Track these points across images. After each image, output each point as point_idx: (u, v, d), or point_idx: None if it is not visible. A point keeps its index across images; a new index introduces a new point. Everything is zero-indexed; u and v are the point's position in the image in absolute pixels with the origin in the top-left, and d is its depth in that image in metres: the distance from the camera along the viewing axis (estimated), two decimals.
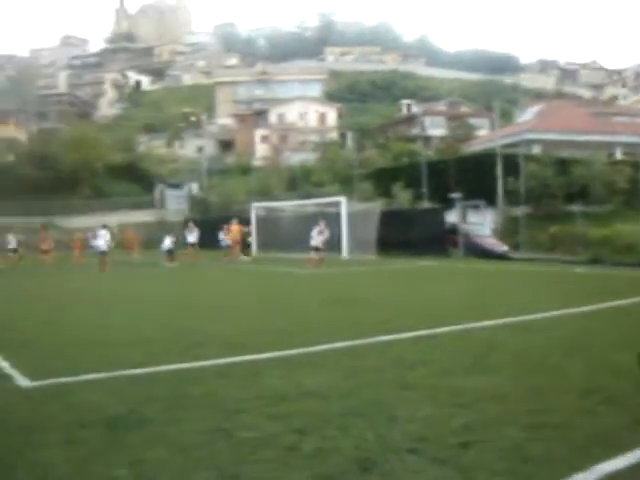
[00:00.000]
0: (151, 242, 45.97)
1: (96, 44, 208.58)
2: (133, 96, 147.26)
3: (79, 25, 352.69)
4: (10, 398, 6.86)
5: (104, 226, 31.32)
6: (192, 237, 35.68)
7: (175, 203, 65.05)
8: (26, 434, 5.60)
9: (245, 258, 35.61)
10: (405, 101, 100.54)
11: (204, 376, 7.64)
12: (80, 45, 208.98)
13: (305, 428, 5.60)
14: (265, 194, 51.46)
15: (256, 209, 42.39)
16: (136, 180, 71.01)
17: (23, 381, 7.57)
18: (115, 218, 58.53)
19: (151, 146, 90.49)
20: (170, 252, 32.95)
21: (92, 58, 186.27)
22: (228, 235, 36.21)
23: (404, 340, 9.88)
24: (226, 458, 4.96)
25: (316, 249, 28.44)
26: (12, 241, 35.52)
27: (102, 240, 30.12)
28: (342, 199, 35.54)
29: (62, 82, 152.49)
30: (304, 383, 7.14)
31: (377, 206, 35.90)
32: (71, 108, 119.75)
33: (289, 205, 43.50)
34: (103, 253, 30.10)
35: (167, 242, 33.11)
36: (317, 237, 28.67)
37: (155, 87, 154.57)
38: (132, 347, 9.69)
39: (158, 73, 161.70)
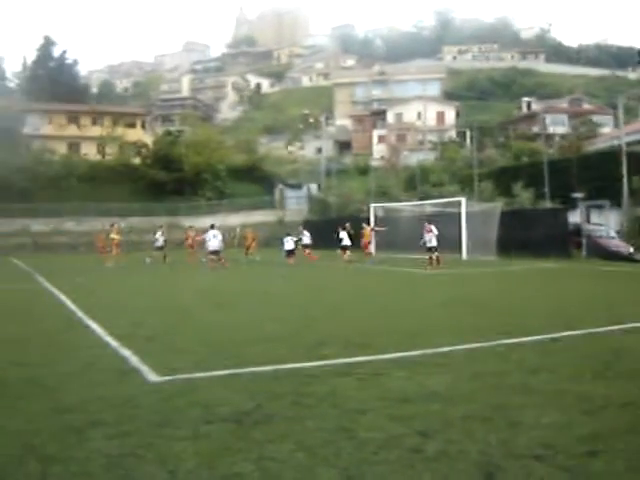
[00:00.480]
0: (271, 241, 46.82)
1: (217, 49, 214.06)
2: (253, 99, 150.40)
3: (201, 31, 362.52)
4: (139, 392, 7.12)
5: (212, 226, 32.17)
6: (306, 239, 36.25)
7: (295, 203, 65.97)
8: (156, 427, 5.82)
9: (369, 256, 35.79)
10: (525, 98, 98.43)
11: (326, 375, 7.71)
12: (202, 50, 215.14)
13: (428, 430, 5.58)
14: (383, 194, 51.47)
15: (375, 209, 42.40)
16: (257, 181, 72.51)
17: (152, 376, 7.85)
18: (237, 219, 60.01)
19: (271, 147, 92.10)
20: (291, 252, 33.41)
21: (213, 63, 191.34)
22: (364, 237, 36.52)
23: (526, 343, 9.68)
24: (349, 458, 5.00)
25: (430, 249, 28.17)
26: (160, 239, 36.80)
27: (214, 240, 31.04)
28: (462, 199, 35.08)
29: (185, 86, 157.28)
30: (426, 385, 7.12)
31: (497, 206, 35.27)
32: (194, 111, 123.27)
33: (408, 205, 43.28)
34: (214, 252, 31.01)
35: (288, 242, 33.60)
36: (428, 237, 28.42)
37: (275, 89, 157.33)
38: (255, 345, 9.89)
39: (277, 76, 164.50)
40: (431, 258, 28.01)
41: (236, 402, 6.56)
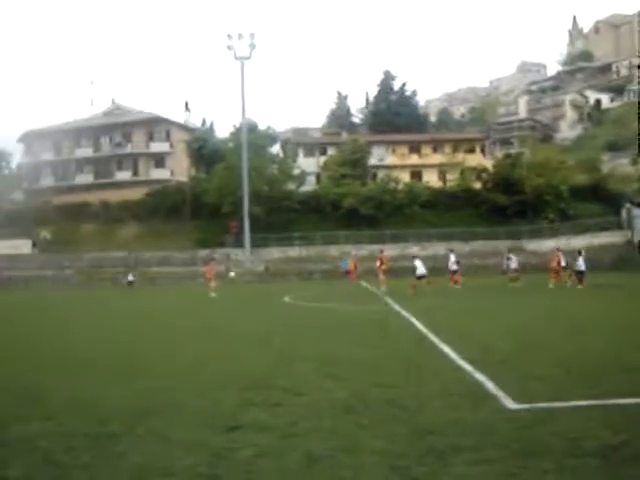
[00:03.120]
0: (619, 264, 44.28)
1: (552, 67, 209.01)
2: (593, 115, 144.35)
3: (534, 50, 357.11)
4: (497, 418, 7.03)
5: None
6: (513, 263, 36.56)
7: None
8: (518, 457, 5.69)
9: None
10: None
11: None
12: (537, 70, 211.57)
13: None
14: None
15: None
16: (601, 201, 69.23)
17: (508, 402, 7.72)
18: (581, 241, 57.75)
19: (616, 165, 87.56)
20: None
21: (549, 81, 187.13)
22: None
23: None
24: None
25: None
26: (514, 261, 37.26)
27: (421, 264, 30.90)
28: None
29: (522, 108, 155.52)
30: None
31: None
32: (532, 132, 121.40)
33: None
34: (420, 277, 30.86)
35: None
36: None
37: (616, 104, 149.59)
38: (615, 374, 9.35)
39: (618, 90, 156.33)
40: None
41: (601, 436, 6.22)
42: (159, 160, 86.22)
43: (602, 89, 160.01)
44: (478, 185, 73.19)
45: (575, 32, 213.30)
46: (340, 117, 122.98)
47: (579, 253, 33.67)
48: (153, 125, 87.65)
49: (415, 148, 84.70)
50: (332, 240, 63.55)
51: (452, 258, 36.33)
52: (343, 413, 7.52)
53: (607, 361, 10.57)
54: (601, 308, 21.90)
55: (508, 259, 37.92)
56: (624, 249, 55.42)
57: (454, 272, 36.11)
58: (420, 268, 30.78)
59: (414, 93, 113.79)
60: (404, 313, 20.48)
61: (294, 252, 64.22)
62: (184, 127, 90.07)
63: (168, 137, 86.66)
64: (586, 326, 15.86)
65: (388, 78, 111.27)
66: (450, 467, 5.50)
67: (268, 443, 6.37)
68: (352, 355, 11.97)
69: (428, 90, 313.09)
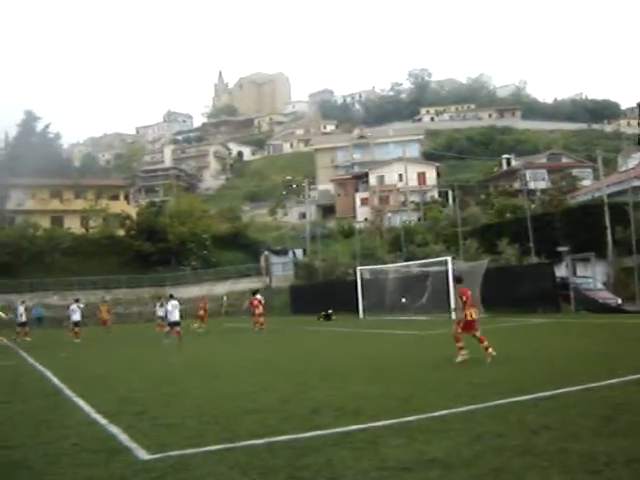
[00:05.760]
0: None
1: (198, 119, 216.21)
2: (235, 167, 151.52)
3: (180, 101, 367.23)
4: (128, 471, 6.85)
5: (171, 296, 30.96)
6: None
7: (281, 269, 65.83)
8: None
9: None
10: (504, 156, 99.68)
11: (321, 446, 7.48)
12: (183, 120, 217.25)
13: None
14: (369, 256, 51.46)
15: (361, 272, 42.35)
16: (242, 248, 72.43)
17: (141, 453, 7.60)
18: (224, 287, 59.79)
19: (255, 215, 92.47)
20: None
21: (195, 132, 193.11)
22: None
23: (523, 403, 9.50)
24: None
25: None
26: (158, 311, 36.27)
27: (175, 311, 28.51)
28: (448, 258, 35.06)
29: (167, 156, 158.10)
30: (426, 451, 6.92)
31: (483, 264, 35.23)
32: (177, 181, 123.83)
33: (394, 267, 43.23)
34: (176, 324, 28.38)
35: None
36: None
37: (256, 157, 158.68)
38: (247, 415, 9.68)
39: (259, 143, 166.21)
40: None
41: (230, 479, 6.33)
42: None
43: (244, 142, 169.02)
44: (122, 232, 72.59)
45: (221, 86, 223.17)
46: None
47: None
48: None
49: (56, 193, 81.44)
50: None
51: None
52: None
53: (237, 403, 10.91)
54: (238, 351, 22.76)
55: (161, 306, 37.10)
56: (263, 294, 58.21)
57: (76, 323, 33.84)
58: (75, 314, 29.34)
59: (57, 136, 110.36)
60: (39, 367, 19.43)
61: None
62: None
63: None
64: (221, 370, 16.29)
65: (30, 118, 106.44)
66: None
67: None
68: None
69: (73, 133, 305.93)
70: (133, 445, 8.03)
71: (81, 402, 11.84)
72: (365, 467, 6.46)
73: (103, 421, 9.79)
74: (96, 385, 14.62)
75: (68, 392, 13.41)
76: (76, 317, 33.59)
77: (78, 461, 7.40)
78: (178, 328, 28.24)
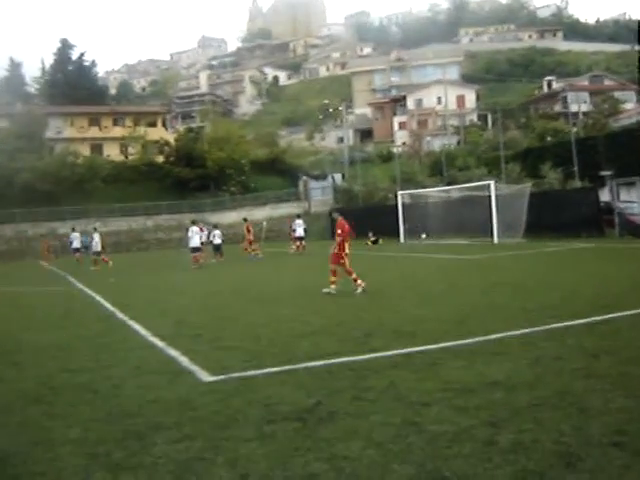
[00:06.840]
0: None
1: (233, 43, 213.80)
2: (271, 92, 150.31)
3: (215, 26, 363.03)
4: (193, 393, 7.01)
5: (193, 222, 31.28)
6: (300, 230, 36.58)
7: (320, 194, 65.67)
8: (218, 429, 5.72)
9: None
10: (546, 78, 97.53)
11: (380, 368, 7.58)
12: (217, 45, 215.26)
13: (497, 421, 5.45)
14: (409, 180, 51.06)
15: (402, 196, 42.11)
16: (281, 174, 72.39)
17: (204, 375, 7.76)
18: (262, 212, 60.00)
19: (292, 139, 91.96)
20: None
21: (230, 57, 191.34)
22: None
23: (579, 327, 9.47)
24: (422, 453, 4.88)
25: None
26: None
27: (196, 237, 29.61)
28: (491, 182, 34.67)
29: (203, 82, 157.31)
30: (486, 373, 6.97)
31: (527, 188, 34.81)
32: (213, 107, 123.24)
33: (435, 191, 42.89)
34: (196, 250, 29.57)
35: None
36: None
37: (292, 81, 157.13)
38: (302, 339, 9.78)
39: (294, 67, 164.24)
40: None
41: (296, 400, 6.46)
42: None
43: (280, 66, 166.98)
44: (161, 159, 72.79)
45: (255, 10, 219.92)
46: (13, 86, 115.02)
47: (297, 217, 36.22)
48: None
49: (95, 120, 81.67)
50: (9, 219, 58.50)
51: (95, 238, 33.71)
52: (32, 404, 7.01)
53: (293, 326, 11.02)
54: (282, 276, 22.95)
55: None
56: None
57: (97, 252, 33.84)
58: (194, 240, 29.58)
59: (93, 64, 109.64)
60: (89, 292, 19.82)
61: None
62: None
63: None
64: (269, 295, 16.44)
65: (65, 47, 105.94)
66: (151, 447, 5.37)
67: None
68: (35, 340, 11.24)
69: (108, 61, 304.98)
70: (194, 367, 8.19)
71: (136, 326, 12.09)
72: (429, 388, 6.53)
73: (161, 344, 9.99)
74: (149, 309, 14.90)
75: (121, 316, 13.69)
76: (97, 247, 33.47)
77: (142, 383, 7.57)
78: (197, 254, 29.43)
